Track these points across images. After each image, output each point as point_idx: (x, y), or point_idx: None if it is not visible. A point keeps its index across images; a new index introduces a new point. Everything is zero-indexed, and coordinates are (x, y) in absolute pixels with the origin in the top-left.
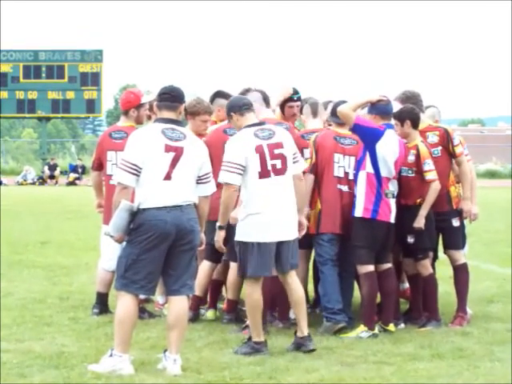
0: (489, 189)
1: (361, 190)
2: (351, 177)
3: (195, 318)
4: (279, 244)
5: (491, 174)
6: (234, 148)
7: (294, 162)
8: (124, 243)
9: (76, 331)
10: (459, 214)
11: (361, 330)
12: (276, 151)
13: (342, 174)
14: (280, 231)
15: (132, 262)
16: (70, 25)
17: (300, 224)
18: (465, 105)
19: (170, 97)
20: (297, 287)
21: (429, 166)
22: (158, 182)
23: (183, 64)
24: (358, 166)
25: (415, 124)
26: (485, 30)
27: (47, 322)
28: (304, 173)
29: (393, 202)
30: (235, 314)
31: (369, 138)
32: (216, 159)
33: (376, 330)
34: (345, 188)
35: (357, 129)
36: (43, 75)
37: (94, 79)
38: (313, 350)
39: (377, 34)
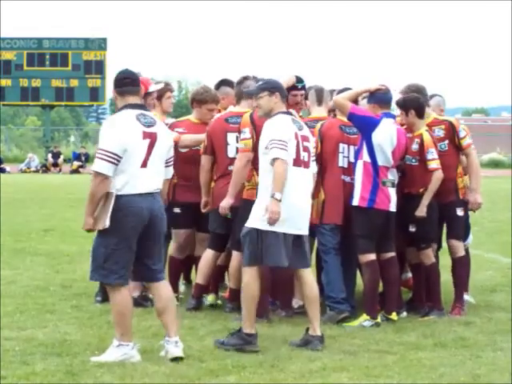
0: (492, 178)
1: (358, 179)
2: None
3: (198, 306)
4: (298, 237)
5: (495, 164)
6: (282, 127)
7: (312, 160)
8: None
9: (79, 319)
10: (465, 204)
11: (363, 319)
12: (305, 144)
13: (346, 165)
14: (301, 224)
15: (111, 252)
16: (74, 13)
17: None
18: (469, 94)
19: (132, 81)
20: (312, 284)
21: (432, 154)
22: (136, 170)
23: (187, 52)
24: (356, 155)
25: (420, 113)
26: (489, 19)
27: (50, 309)
28: None
29: (392, 191)
30: (238, 302)
31: (365, 126)
32: (218, 148)
33: (378, 319)
34: (348, 179)
35: (352, 118)
36: (47, 63)
37: (97, 67)
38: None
39: (381, 22)
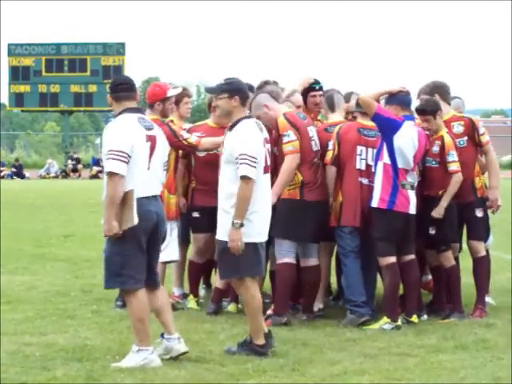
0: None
1: (378, 181)
2: (374, 169)
3: (218, 310)
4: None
5: None
6: (254, 140)
7: None
8: None
9: (99, 324)
10: (484, 203)
11: (384, 322)
12: (267, 146)
13: (363, 167)
14: (267, 231)
15: (127, 258)
16: (92, 18)
17: None
18: (488, 95)
19: (129, 86)
20: (259, 294)
21: (452, 157)
22: (143, 172)
23: (206, 57)
24: (377, 156)
25: (441, 115)
26: (507, 20)
27: (70, 315)
28: (326, 164)
29: (412, 194)
30: None
31: (387, 128)
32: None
33: (399, 322)
34: (365, 181)
35: (376, 118)
36: (65, 68)
37: (116, 72)
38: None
39: (399, 24)
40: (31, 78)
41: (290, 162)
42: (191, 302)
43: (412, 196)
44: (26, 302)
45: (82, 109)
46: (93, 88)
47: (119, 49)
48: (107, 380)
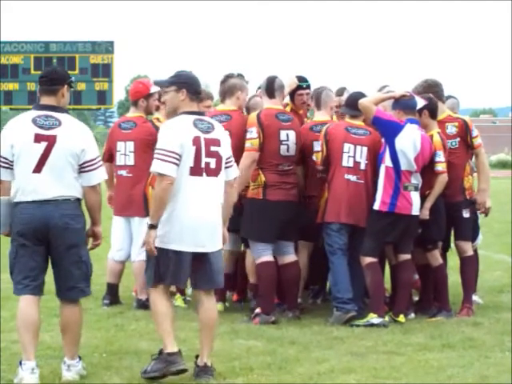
0: (500, 179)
1: (380, 184)
2: (363, 167)
3: None
4: (202, 255)
5: (502, 165)
6: (172, 133)
7: (227, 167)
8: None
9: (86, 322)
10: (471, 204)
11: (371, 317)
12: (212, 148)
13: (351, 164)
14: (201, 241)
15: (14, 261)
16: (81, 16)
17: (223, 237)
18: (476, 95)
19: (48, 80)
20: (211, 308)
21: (439, 157)
22: (27, 175)
23: (195, 54)
24: (379, 159)
25: (433, 114)
26: (496, 20)
27: (57, 313)
28: (316, 165)
29: (414, 195)
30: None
31: (388, 131)
32: (237, 146)
33: (386, 318)
34: (353, 178)
35: (377, 121)
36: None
37: (105, 70)
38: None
39: (390, 23)
40: (20, 75)
41: (243, 159)
42: (178, 300)
43: (415, 197)
44: (14, 300)
45: (70, 107)
46: (81, 86)
47: (108, 47)
48: (94, 378)
